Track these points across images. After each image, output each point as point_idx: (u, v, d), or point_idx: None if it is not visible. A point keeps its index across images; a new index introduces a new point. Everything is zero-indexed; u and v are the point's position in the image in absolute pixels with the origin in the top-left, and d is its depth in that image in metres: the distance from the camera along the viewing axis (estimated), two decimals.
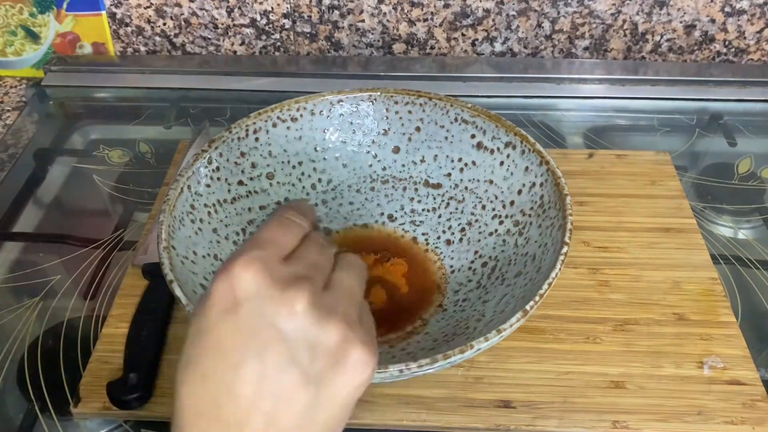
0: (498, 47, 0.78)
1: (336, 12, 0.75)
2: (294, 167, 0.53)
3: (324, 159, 0.54)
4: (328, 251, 0.32)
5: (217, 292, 0.28)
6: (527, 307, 0.38)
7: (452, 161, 0.53)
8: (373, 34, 0.77)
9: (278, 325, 0.27)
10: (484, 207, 0.51)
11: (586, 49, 0.77)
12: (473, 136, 0.52)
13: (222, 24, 0.77)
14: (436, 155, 0.54)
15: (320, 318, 0.27)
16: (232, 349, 0.27)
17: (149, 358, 0.46)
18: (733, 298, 0.52)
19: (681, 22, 0.74)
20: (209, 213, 0.48)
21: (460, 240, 0.51)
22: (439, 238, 0.52)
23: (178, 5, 0.76)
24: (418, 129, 0.54)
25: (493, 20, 0.75)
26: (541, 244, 0.45)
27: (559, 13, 0.74)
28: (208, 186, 0.48)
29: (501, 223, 0.49)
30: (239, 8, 0.76)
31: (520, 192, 0.49)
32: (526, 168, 0.48)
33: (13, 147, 0.70)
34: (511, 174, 0.49)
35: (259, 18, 0.76)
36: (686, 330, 0.48)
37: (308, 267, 0.30)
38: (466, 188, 0.52)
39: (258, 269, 0.28)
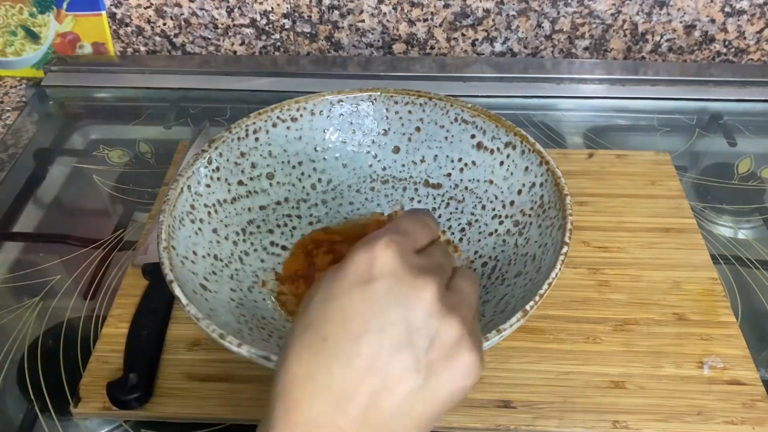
0: (498, 47, 0.78)
1: (336, 12, 0.75)
2: (294, 167, 0.53)
3: (324, 159, 0.54)
4: (450, 259, 0.33)
5: (355, 263, 0.29)
6: (527, 307, 0.38)
7: (452, 161, 0.53)
8: (373, 34, 0.77)
9: (405, 308, 0.28)
10: (484, 207, 0.51)
11: (586, 49, 0.77)
12: (473, 136, 0.52)
13: (222, 24, 0.77)
14: (436, 155, 0.54)
15: (443, 312, 0.28)
16: (358, 319, 0.27)
17: (149, 358, 0.46)
18: (733, 298, 0.52)
19: (681, 22, 0.74)
20: (209, 213, 0.48)
21: (460, 240, 0.51)
22: (438, 238, 0.52)
23: (178, 5, 0.76)
24: (418, 129, 0.54)
25: (493, 20, 0.75)
26: (541, 244, 0.45)
27: (559, 13, 0.74)
28: (208, 186, 0.48)
29: (501, 223, 0.49)
30: (239, 8, 0.76)
31: (520, 192, 0.49)
32: (526, 168, 0.48)
33: (13, 147, 0.70)
34: (511, 174, 0.49)
35: (259, 18, 0.76)
36: (686, 330, 0.48)
37: (436, 265, 0.31)
38: (466, 188, 0.52)
39: (397, 251, 0.29)
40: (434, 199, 0.54)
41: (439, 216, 0.53)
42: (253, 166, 0.51)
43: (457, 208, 0.53)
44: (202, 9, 0.76)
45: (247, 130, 0.51)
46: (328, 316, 0.28)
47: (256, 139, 0.51)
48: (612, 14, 0.74)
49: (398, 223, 0.32)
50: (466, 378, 0.29)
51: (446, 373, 0.28)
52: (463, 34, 0.77)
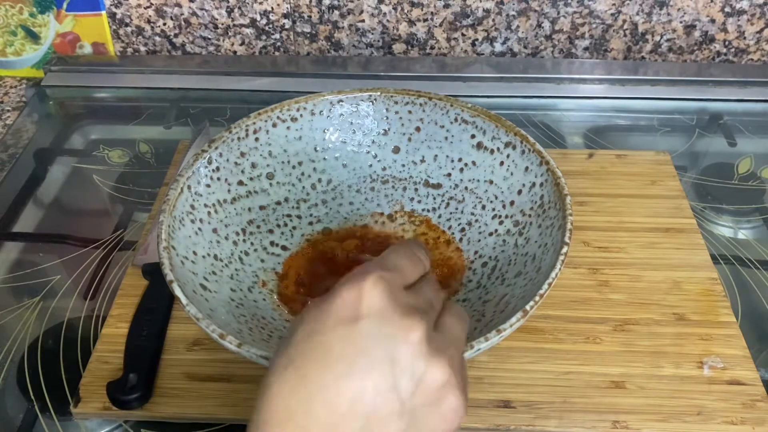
0: (498, 47, 0.78)
1: (336, 12, 0.75)
2: (294, 167, 0.53)
3: (324, 159, 0.54)
4: (440, 294, 0.32)
5: (341, 299, 0.27)
6: (527, 307, 0.38)
7: (452, 161, 0.53)
8: (373, 34, 0.77)
9: (391, 349, 0.27)
10: (484, 207, 0.51)
11: (586, 49, 0.77)
12: (473, 136, 0.52)
13: (222, 24, 0.77)
14: (436, 155, 0.54)
15: (430, 354, 0.27)
16: (341, 359, 0.26)
17: (149, 358, 0.46)
18: (733, 298, 0.52)
19: (681, 22, 0.74)
20: (209, 213, 0.48)
21: (460, 240, 0.51)
22: (438, 238, 0.52)
23: (178, 5, 0.76)
24: (418, 129, 0.54)
25: (493, 20, 0.75)
26: (541, 244, 0.45)
27: (559, 13, 0.74)
28: (208, 186, 0.48)
29: (501, 223, 0.49)
30: (239, 8, 0.76)
31: (520, 192, 0.49)
32: (526, 168, 0.48)
33: (13, 147, 0.70)
34: (511, 174, 0.49)
35: (259, 18, 0.76)
36: (686, 330, 0.48)
37: (425, 303, 0.30)
38: (466, 188, 0.52)
39: (385, 289, 0.28)
40: (434, 199, 0.54)
41: (439, 216, 0.53)
42: (253, 166, 0.51)
43: (457, 208, 0.53)
44: (202, 9, 0.76)
45: (247, 130, 0.51)
46: (310, 353, 0.27)
47: (256, 139, 0.51)
48: (612, 14, 0.74)
49: (388, 257, 0.31)
50: (450, 422, 0.28)
51: (431, 417, 0.27)
52: (463, 34, 0.77)
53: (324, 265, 0.51)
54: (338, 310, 0.27)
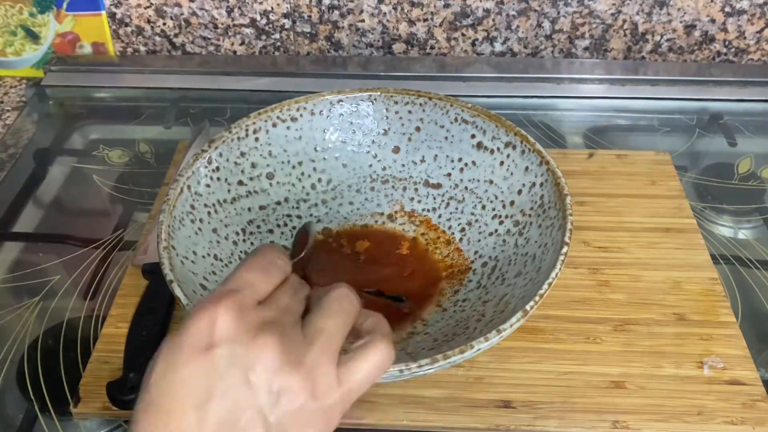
0: (498, 47, 0.78)
1: (336, 12, 0.75)
2: (294, 167, 0.53)
3: (324, 159, 0.54)
4: (300, 295, 0.33)
5: (195, 329, 0.28)
6: (527, 307, 0.38)
7: (452, 161, 0.53)
8: (373, 34, 0.77)
9: (245, 369, 0.27)
10: (484, 207, 0.51)
11: (586, 49, 0.77)
12: (473, 136, 0.52)
13: (222, 24, 0.77)
14: (436, 155, 0.54)
15: (287, 366, 0.28)
16: (200, 388, 0.27)
17: (149, 358, 0.46)
18: (733, 298, 0.52)
19: (681, 22, 0.74)
20: (209, 213, 0.48)
21: (460, 240, 0.51)
22: (438, 238, 0.52)
23: (178, 5, 0.76)
24: (418, 129, 0.54)
25: (493, 20, 0.75)
26: (541, 244, 0.45)
27: (559, 13, 0.74)
28: (208, 186, 0.48)
29: (501, 223, 0.49)
30: (239, 8, 0.76)
31: (520, 192, 0.49)
32: (526, 168, 0.48)
33: (13, 147, 0.70)
34: (511, 174, 0.49)
35: (259, 18, 0.76)
36: (686, 330, 0.48)
37: (280, 312, 0.30)
38: (466, 188, 0.52)
39: (236, 313, 0.28)
40: (434, 199, 0.54)
41: (439, 216, 0.53)
42: (253, 166, 0.51)
43: (457, 208, 0.53)
44: (202, 9, 0.76)
45: (247, 130, 0.51)
46: (170, 389, 0.27)
47: (256, 139, 0.51)
48: (612, 14, 0.74)
49: (238, 275, 0.31)
50: (313, 430, 0.29)
51: (297, 426, 0.28)
52: (463, 34, 0.77)
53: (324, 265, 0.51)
54: (192, 341, 0.28)
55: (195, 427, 0.27)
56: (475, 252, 0.50)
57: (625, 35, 0.76)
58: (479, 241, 0.50)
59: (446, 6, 0.74)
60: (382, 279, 0.50)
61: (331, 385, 0.29)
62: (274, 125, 0.52)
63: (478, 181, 0.52)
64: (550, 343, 0.47)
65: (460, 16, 0.75)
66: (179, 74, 0.77)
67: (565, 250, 0.41)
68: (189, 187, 0.46)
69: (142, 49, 0.80)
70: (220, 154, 0.49)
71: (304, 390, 0.28)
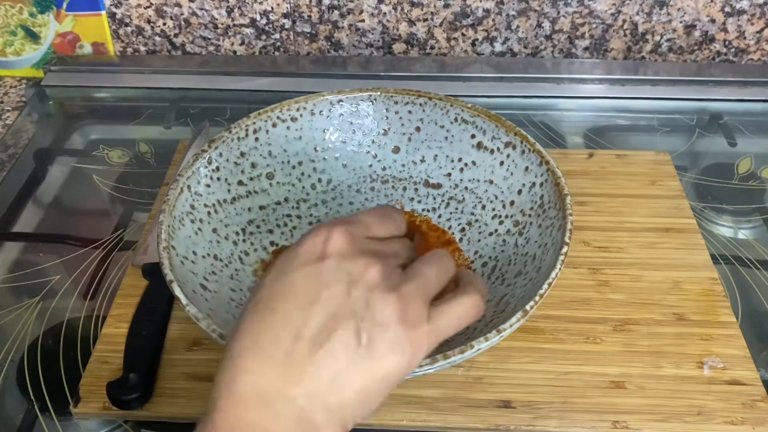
0: (498, 47, 0.78)
1: (336, 12, 0.75)
2: (294, 167, 0.53)
3: (324, 159, 0.54)
4: (411, 251, 0.36)
5: (307, 244, 0.31)
6: (527, 307, 0.38)
7: (452, 161, 0.53)
8: (373, 34, 0.77)
9: (348, 283, 0.30)
10: (484, 207, 0.51)
11: (586, 49, 0.77)
12: (473, 136, 0.52)
13: (222, 24, 0.77)
14: (436, 155, 0.54)
15: (384, 288, 0.30)
16: (306, 292, 0.30)
17: (149, 358, 0.46)
18: (733, 298, 0.52)
19: (681, 22, 0.74)
20: (209, 213, 0.48)
21: (460, 240, 0.51)
22: (439, 238, 0.52)
23: (178, 5, 0.76)
24: (418, 129, 0.54)
25: (493, 20, 0.75)
26: (541, 244, 0.45)
27: (559, 13, 0.74)
28: (208, 186, 0.48)
29: (501, 223, 0.49)
30: (239, 8, 0.76)
31: (520, 192, 0.49)
32: (526, 168, 0.48)
33: (13, 147, 0.70)
34: (511, 174, 0.49)
35: (259, 18, 0.76)
36: (686, 330, 0.48)
37: (390, 251, 0.33)
38: (466, 188, 0.52)
39: (349, 236, 0.32)
40: (434, 199, 0.54)
41: (439, 216, 0.53)
42: (253, 166, 0.51)
43: (457, 208, 0.53)
44: (202, 9, 0.76)
45: (247, 130, 0.51)
46: (278, 290, 0.30)
47: (256, 139, 0.51)
48: (612, 14, 0.74)
49: (357, 216, 0.34)
50: (398, 353, 0.30)
51: (382, 347, 0.29)
52: (463, 34, 0.77)
53: None
54: (305, 253, 0.31)
55: (297, 326, 0.29)
56: (475, 252, 0.50)
57: (625, 35, 0.76)
58: (479, 241, 0.50)
59: (446, 6, 0.74)
60: None
61: (421, 317, 0.31)
62: (274, 125, 0.52)
63: (478, 181, 0.52)
64: (550, 343, 0.47)
65: (460, 16, 0.75)
66: (179, 74, 0.77)
67: (565, 250, 0.41)
68: (189, 187, 0.46)
69: (142, 49, 0.80)
70: (220, 154, 0.49)
71: (395, 313, 0.30)
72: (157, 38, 0.79)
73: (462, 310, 0.33)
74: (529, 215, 0.47)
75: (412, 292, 0.31)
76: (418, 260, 0.34)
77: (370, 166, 0.55)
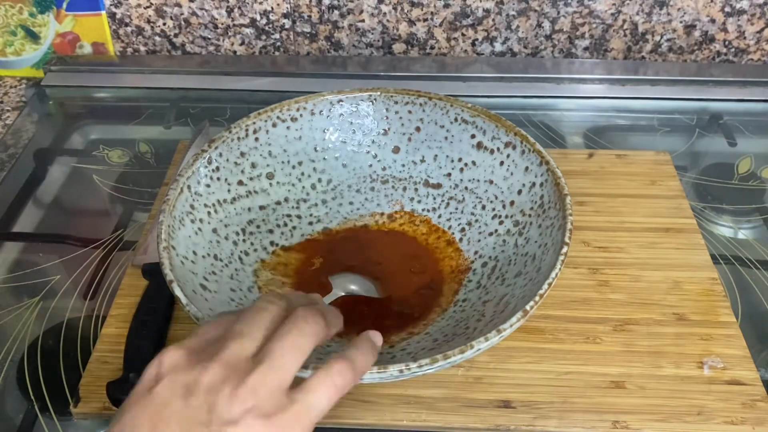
0: (498, 47, 0.78)
1: (336, 12, 0.75)
2: (294, 167, 0.53)
3: (324, 159, 0.54)
4: (256, 327, 0.33)
5: (144, 376, 0.30)
6: (527, 307, 0.38)
7: (452, 161, 0.53)
8: (373, 34, 0.77)
9: (186, 396, 0.29)
10: (484, 207, 0.51)
11: (586, 49, 0.77)
12: (473, 136, 0.52)
13: (222, 24, 0.77)
14: (436, 155, 0.54)
15: (226, 388, 0.29)
16: (146, 424, 0.28)
17: (149, 358, 0.45)
18: (733, 298, 0.52)
19: (681, 22, 0.74)
20: (209, 213, 0.48)
21: (460, 240, 0.51)
22: (439, 238, 0.52)
23: (178, 5, 0.76)
24: (418, 129, 0.54)
25: (493, 20, 0.75)
26: (541, 244, 0.45)
27: (559, 13, 0.74)
28: (208, 186, 0.48)
29: (501, 223, 0.49)
30: (239, 8, 0.76)
31: (520, 192, 0.49)
32: (526, 168, 0.48)
33: (13, 147, 0.70)
34: (511, 174, 0.49)
35: (259, 18, 0.76)
36: (686, 330, 0.48)
37: (232, 345, 0.31)
38: (466, 188, 0.52)
39: (183, 351, 0.31)
40: (434, 199, 0.54)
41: (439, 216, 0.53)
42: (253, 166, 0.51)
43: (457, 208, 0.53)
44: (202, 9, 0.76)
45: (247, 130, 0.51)
46: (122, 428, 0.29)
47: (256, 139, 0.51)
48: (612, 14, 0.74)
49: (192, 334, 0.32)
50: None
51: None
52: (463, 34, 0.77)
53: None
54: (143, 383, 0.30)
55: None
56: (475, 252, 0.50)
57: (625, 35, 0.76)
58: (479, 241, 0.50)
59: (446, 6, 0.74)
60: (382, 278, 0.50)
61: (278, 402, 0.29)
62: (274, 125, 0.52)
63: (478, 181, 0.52)
64: (550, 343, 0.47)
65: (460, 16, 0.75)
66: (179, 74, 0.77)
67: (565, 250, 0.41)
68: (189, 187, 0.46)
69: (142, 49, 0.80)
70: (220, 154, 0.49)
71: (242, 407, 0.28)
72: (157, 38, 0.79)
73: (329, 382, 0.31)
74: (529, 215, 0.47)
75: (260, 380, 0.29)
76: (272, 337, 0.32)
77: (370, 166, 0.55)
